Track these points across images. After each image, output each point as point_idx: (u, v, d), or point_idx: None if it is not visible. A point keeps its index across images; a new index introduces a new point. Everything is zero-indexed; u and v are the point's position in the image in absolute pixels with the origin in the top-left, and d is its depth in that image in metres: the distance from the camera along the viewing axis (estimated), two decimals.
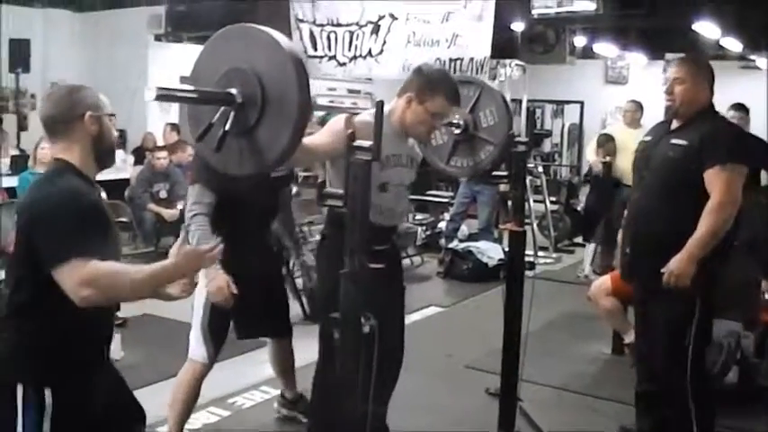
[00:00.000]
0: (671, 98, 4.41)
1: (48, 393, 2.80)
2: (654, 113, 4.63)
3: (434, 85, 3.97)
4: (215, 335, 4.55)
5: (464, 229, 10.78)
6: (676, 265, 4.23)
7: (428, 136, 4.17)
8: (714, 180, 4.23)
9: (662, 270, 4.26)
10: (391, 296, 4.20)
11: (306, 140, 3.62)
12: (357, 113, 3.85)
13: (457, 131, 4.66)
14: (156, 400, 4.83)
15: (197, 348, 4.55)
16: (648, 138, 4.71)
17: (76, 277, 2.63)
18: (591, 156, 9.76)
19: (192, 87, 2.82)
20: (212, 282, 4.25)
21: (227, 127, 2.68)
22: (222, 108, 2.70)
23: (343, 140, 3.66)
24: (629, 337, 5.80)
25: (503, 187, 9.86)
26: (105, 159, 3.08)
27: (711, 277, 4.34)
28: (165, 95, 2.77)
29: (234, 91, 2.67)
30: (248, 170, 2.83)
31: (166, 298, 3.24)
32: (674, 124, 4.49)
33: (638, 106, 9.77)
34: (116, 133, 3.16)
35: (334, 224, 4.08)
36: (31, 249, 2.76)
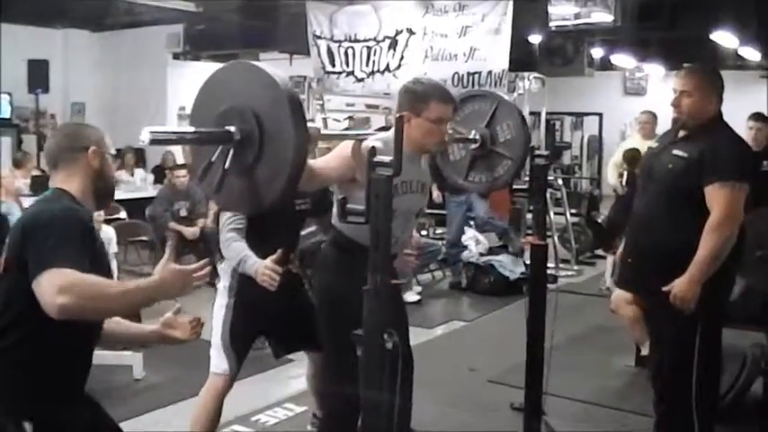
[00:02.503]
0: (678, 110, 4.32)
1: (29, 428, 2.70)
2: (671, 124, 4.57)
3: (422, 93, 3.93)
4: (237, 347, 4.54)
5: (485, 243, 10.71)
6: (679, 288, 4.13)
7: (441, 145, 4.13)
8: (714, 197, 4.12)
9: (663, 288, 4.18)
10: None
11: (313, 164, 3.65)
12: (364, 139, 3.84)
13: (474, 147, 4.64)
14: (179, 420, 4.85)
15: (219, 362, 4.53)
16: (655, 145, 4.67)
17: (55, 284, 2.51)
18: (612, 179, 9.91)
19: (190, 129, 2.81)
20: (258, 272, 4.23)
21: (226, 165, 2.66)
22: (221, 146, 2.68)
23: (349, 166, 3.70)
24: (646, 349, 5.75)
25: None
26: (103, 197, 3.08)
27: (713, 292, 4.20)
28: (160, 139, 2.74)
29: (232, 129, 2.64)
30: (247, 209, 2.83)
31: (173, 341, 3.19)
32: (681, 134, 4.40)
33: (654, 117, 9.81)
34: (116, 176, 3.18)
35: (336, 245, 4.16)
36: (21, 265, 2.66)
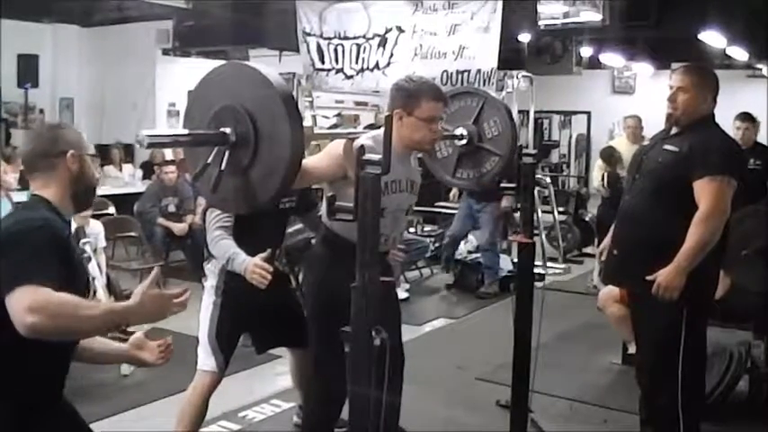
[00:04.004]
0: (673, 106, 4.37)
1: None
2: (660, 123, 4.62)
3: (414, 92, 3.96)
4: (223, 345, 4.57)
5: (473, 241, 10.71)
6: (664, 277, 4.17)
7: (432, 144, 4.15)
8: (703, 191, 4.18)
9: (647, 278, 4.22)
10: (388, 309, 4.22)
11: (304, 163, 3.67)
12: (356, 137, 3.86)
13: (461, 143, 4.66)
14: (166, 416, 4.85)
15: (206, 359, 4.56)
16: (646, 143, 4.72)
17: (25, 303, 2.44)
18: (596, 181, 9.98)
19: (185, 131, 2.81)
20: (248, 270, 4.25)
21: (222, 167, 2.66)
22: (216, 148, 2.68)
23: (340, 165, 3.73)
24: (633, 347, 5.76)
25: (504, 203, 9.63)
26: (83, 199, 3.01)
27: (698, 286, 4.24)
28: (157, 143, 2.74)
29: (227, 130, 2.64)
30: (244, 209, 2.82)
31: (140, 364, 3.15)
32: (673, 131, 4.46)
33: (640, 121, 9.89)
34: (97, 175, 3.13)
35: (326, 243, 4.21)
36: None
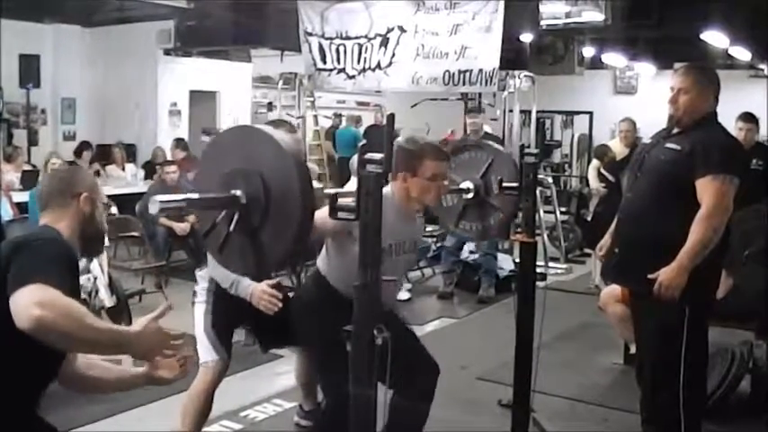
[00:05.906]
0: (675, 107, 4.36)
1: None
2: (663, 124, 4.62)
3: (416, 153, 4.03)
4: (221, 336, 4.58)
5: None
6: (666, 275, 4.16)
7: (438, 198, 4.26)
8: (705, 189, 4.17)
9: (649, 276, 4.21)
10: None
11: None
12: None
13: (468, 196, 4.72)
14: (168, 415, 4.85)
15: (205, 354, 4.54)
16: (648, 141, 4.73)
17: (35, 297, 2.41)
18: (593, 182, 9.96)
19: (196, 195, 2.84)
20: (254, 296, 4.30)
21: (230, 228, 2.69)
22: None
23: (344, 223, 3.74)
24: (635, 347, 5.75)
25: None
26: (90, 244, 3.09)
27: (700, 285, 4.23)
28: (170, 207, 2.78)
29: (238, 192, 2.66)
30: (250, 270, 2.84)
31: (162, 383, 3.13)
32: (675, 130, 4.44)
33: (634, 124, 9.92)
34: (105, 226, 3.20)
35: (317, 285, 4.22)
36: (3, 283, 2.54)
